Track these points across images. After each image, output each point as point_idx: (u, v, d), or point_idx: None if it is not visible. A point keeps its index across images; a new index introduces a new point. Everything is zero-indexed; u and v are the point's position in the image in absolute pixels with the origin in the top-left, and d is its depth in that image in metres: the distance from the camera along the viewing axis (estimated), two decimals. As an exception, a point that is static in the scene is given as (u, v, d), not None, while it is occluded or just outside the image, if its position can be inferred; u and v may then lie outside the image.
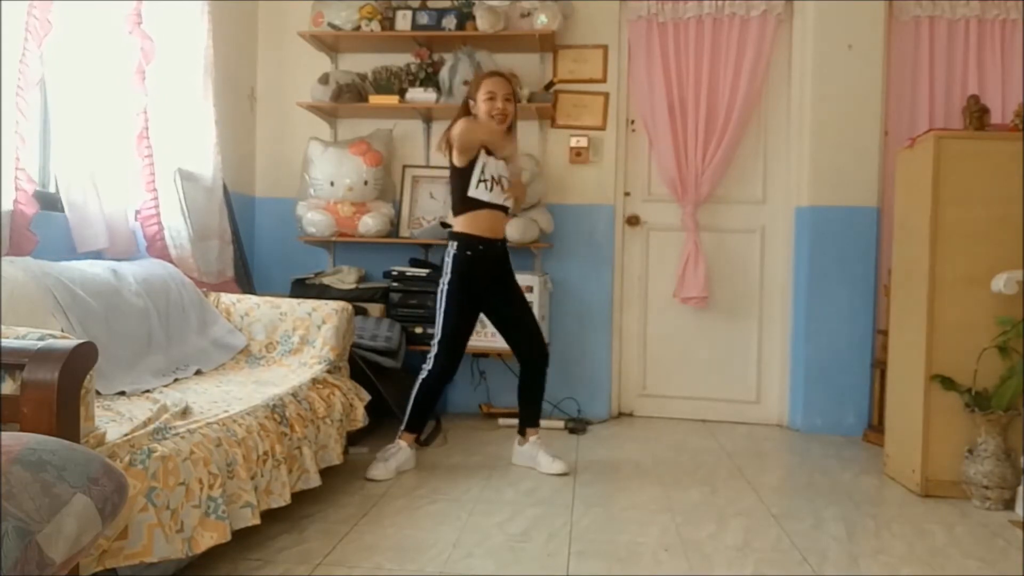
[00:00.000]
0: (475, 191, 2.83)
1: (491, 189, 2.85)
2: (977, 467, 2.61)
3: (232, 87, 3.77)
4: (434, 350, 2.91)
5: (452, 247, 2.89)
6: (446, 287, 2.89)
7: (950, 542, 2.30)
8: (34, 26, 2.32)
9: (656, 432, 3.69)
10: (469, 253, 2.86)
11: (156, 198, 3.01)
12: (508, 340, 3.01)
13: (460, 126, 2.80)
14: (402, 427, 2.93)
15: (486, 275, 2.90)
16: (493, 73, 2.96)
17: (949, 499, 2.68)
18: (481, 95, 2.84)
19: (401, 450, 2.88)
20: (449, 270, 2.88)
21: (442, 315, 2.90)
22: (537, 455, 2.94)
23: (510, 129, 2.91)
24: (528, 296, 3.60)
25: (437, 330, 2.91)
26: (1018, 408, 2.60)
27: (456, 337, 2.90)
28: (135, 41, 2.84)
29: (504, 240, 2.97)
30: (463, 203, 2.87)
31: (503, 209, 2.92)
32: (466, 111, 2.89)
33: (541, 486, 2.76)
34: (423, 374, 2.92)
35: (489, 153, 2.86)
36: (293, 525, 2.27)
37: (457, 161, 2.84)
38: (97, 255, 2.67)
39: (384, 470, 2.79)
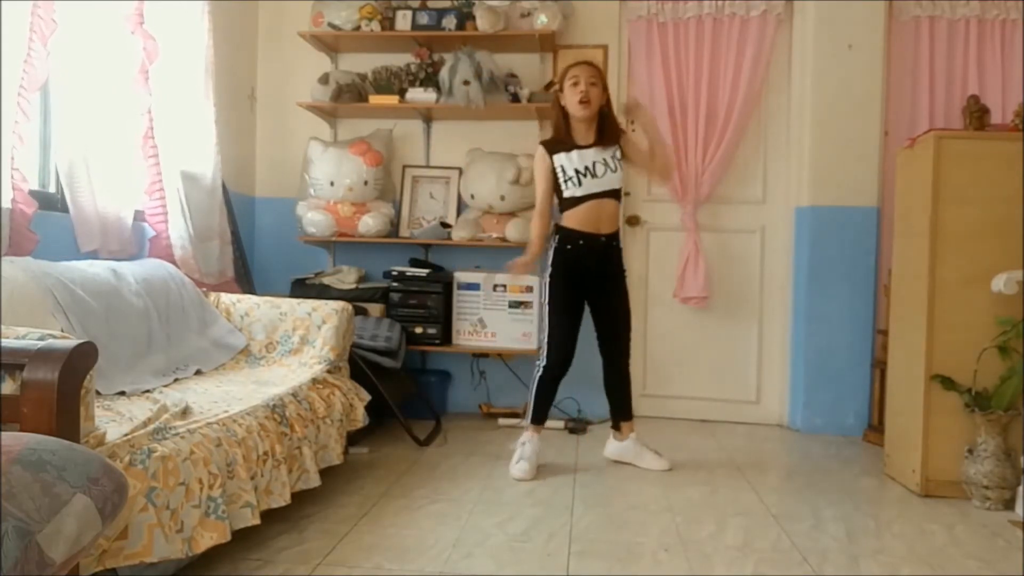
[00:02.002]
0: (568, 192, 2.90)
1: (580, 183, 2.87)
2: (977, 467, 2.61)
3: (232, 87, 3.77)
4: (544, 347, 2.97)
5: (553, 241, 2.95)
6: (548, 281, 2.95)
7: (950, 542, 2.30)
8: (39, 26, 2.32)
9: (656, 432, 3.68)
10: (569, 247, 2.91)
11: (162, 199, 3.02)
12: (596, 332, 3.03)
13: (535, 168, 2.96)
14: (528, 420, 3.02)
15: (588, 268, 2.91)
16: (579, 61, 2.93)
17: (949, 499, 2.68)
18: (567, 83, 2.85)
19: (529, 442, 2.95)
20: (550, 263, 2.94)
21: (547, 310, 2.97)
22: (642, 453, 3.03)
23: (604, 116, 2.89)
24: (528, 296, 3.62)
25: (544, 325, 2.99)
26: (1018, 408, 2.60)
27: (561, 331, 2.92)
28: (138, 41, 2.84)
29: (610, 234, 2.93)
30: (562, 204, 2.95)
31: (609, 195, 2.89)
32: (557, 103, 2.91)
33: (541, 486, 2.76)
34: (537, 371, 2.98)
35: (570, 149, 2.88)
36: (293, 525, 2.27)
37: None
38: (95, 255, 2.66)
39: (527, 468, 2.85)
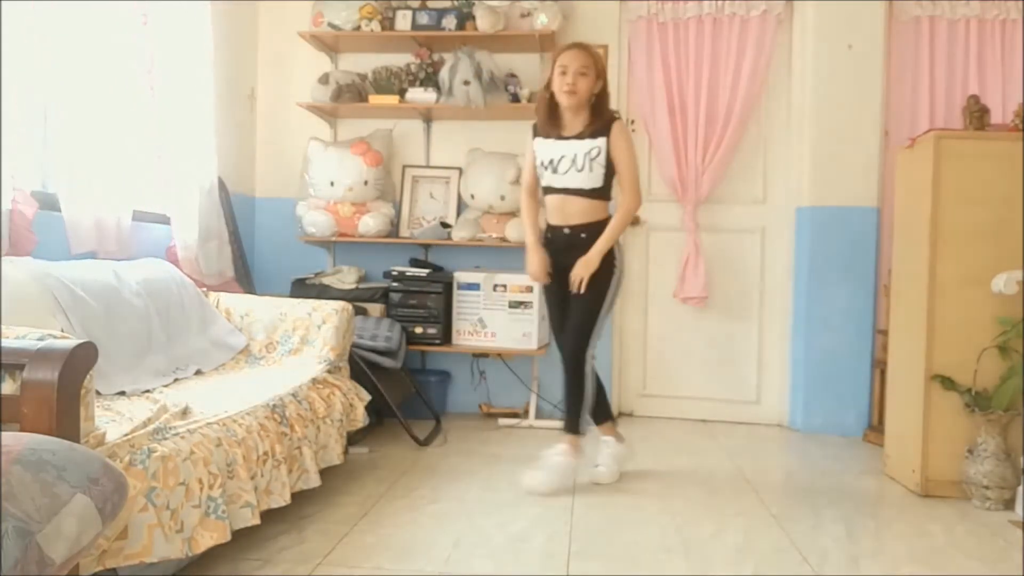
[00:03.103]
0: (540, 178, 2.82)
1: (555, 171, 2.75)
2: (977, 467, 2.61)
3: (232, 87, 3.77)
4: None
5: None
6: None
7: (950, 542, 2.30)
8: (39, 25, 2.33)
9: (656, 432, 3.69)
10: (545, 240, 2.86)
11: (165, 200, 3.02)
12: None
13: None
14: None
15: (557, 261, 2.81)
16: (571, 45, 2.77)
17: (949, 499, 2.68)
18: (556, 71, 2.71)
19: (608, 444, 2.90)
20: None
21: None
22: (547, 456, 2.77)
23: (595, 104, 2.74)
24: (528, 296, 3.61)
25: None
26: (1018, 408, 2.60)
27: (554, 327, 2.90)
28: (141, 41, 2.85)
29: (577, 226, 2.76)
30: (542, 192, 2.88)
31: (574, 192, 2.74)
32: (547, 86, 2.76)
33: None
34: None
35: (548, 136, 2.78)
36: (293, 525, 2.27)
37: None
38: (91, 255, 2.66)
39: (614, 472, 2.80)
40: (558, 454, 2.76)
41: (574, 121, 2.77)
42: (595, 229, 2.75)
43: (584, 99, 2.71)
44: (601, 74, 2.74)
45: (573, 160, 2.73)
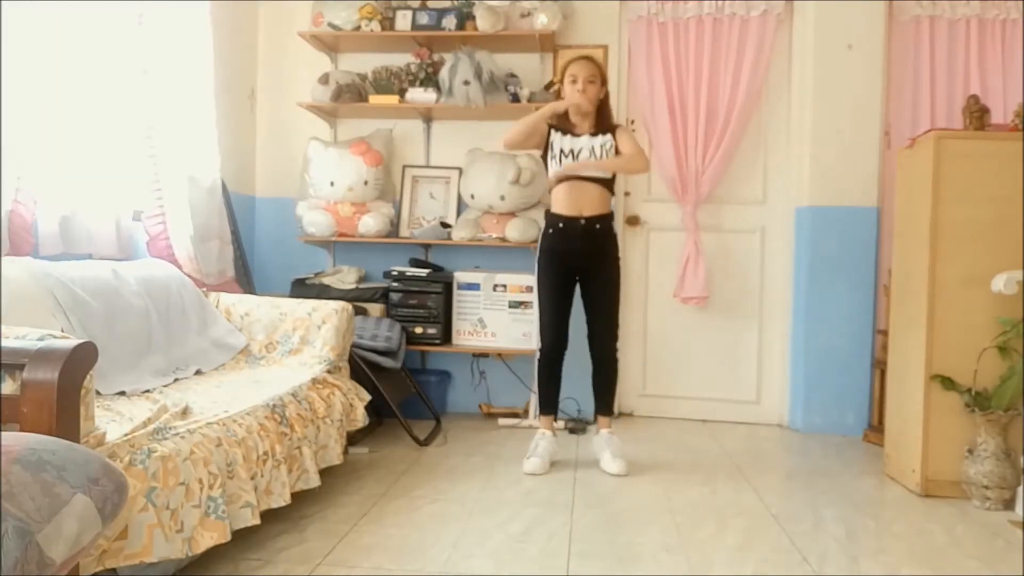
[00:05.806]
0: (552, 168, 3.03)
1: (561, 163, 2.98)
2: (977, 467, 2.61)
3: (232, 87, 3.77)
4: (537, 331, 3.11)
5: (541, 226, 3.11)
6: (536, 265, 3.09)
7: (950, 542, 2.30)
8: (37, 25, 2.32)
9: (656, 432, 3.69)
10: (551, 231, 3.03)
11: (160, 199, 3.01)
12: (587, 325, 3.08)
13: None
14: (537, 412, 3.17)
15: (570, 250, 3.00)
16: (578, 57, 3.07)
17: (949, 499, 2.68)
18: (567, 79, 2.99)
19: (542, 439, 3.02)
20: (538, 248, 3.09)
21: (536, 293, 3.11)
22: (603, 451, 3.01)
23: (599, 110, 3.02)
24: (528, 296, 3.62)
25: (538, 309, 3.11)
26: (1018, 408, 2.60)
27: (548, 314, 3.04)
28: (138, 40, 2.84)
29: (592, 217, 2.98)
30: (550, 184, 3.07)
31: (590, 179, 2.97)
32: (558, 96, 3.11)
33: (541, 486, 2.76)
34: (536, 357, 3.11)
35: (566, 132, 3.01)
36: (293, 525, 2.27)
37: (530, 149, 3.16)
38: (89, 256, 2.65)
39: (539, 464, 2.92)
40: (610, 438, 3.04)
41: (583, 124, 3.03)
42: (607, 221, 3.02)
43: (592, 107, 2.99)
44: (605, 81, 3.05)
45: (592, 150, 2.99)
